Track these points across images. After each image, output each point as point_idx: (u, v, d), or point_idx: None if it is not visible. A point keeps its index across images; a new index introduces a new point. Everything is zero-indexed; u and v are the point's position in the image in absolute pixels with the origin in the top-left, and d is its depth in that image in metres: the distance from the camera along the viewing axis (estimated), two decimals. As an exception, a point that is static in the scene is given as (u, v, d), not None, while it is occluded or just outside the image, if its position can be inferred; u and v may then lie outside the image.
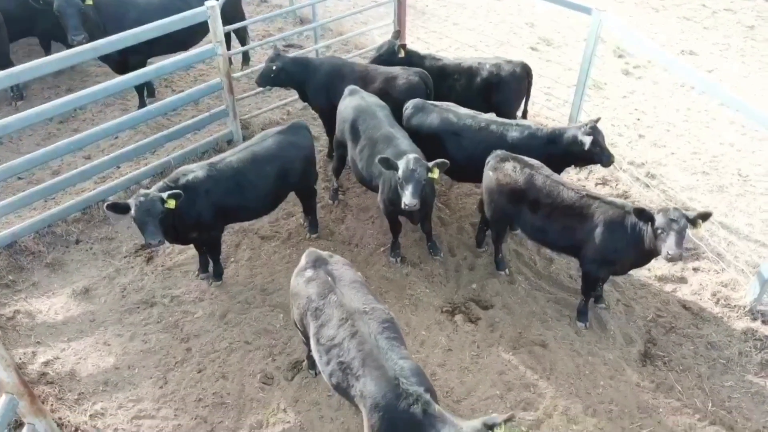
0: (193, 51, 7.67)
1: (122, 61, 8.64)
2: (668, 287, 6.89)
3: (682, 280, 6.97)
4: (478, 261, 7.24)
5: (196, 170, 6.29)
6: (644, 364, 6.16)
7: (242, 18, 9.71)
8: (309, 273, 5.10)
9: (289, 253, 7.30)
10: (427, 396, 4.28)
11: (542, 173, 6.17)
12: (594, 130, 6.44)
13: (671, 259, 5.42)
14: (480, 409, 5.76)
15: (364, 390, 4.45)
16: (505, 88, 7.69)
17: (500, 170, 6.27)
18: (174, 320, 6.59)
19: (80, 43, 8.07)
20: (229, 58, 8.46)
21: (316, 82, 7.79)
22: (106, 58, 8.92)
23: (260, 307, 6.74)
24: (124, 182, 7.78)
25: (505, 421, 4.09)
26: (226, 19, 8.34)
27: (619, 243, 5.80)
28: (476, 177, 6.82)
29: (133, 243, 7.46)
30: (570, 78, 9.38)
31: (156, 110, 7.69)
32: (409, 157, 5.99)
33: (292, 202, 7.92)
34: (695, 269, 7.06)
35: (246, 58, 10.35)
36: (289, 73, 7.72)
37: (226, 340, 6.39)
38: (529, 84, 7.81)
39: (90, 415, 5.68)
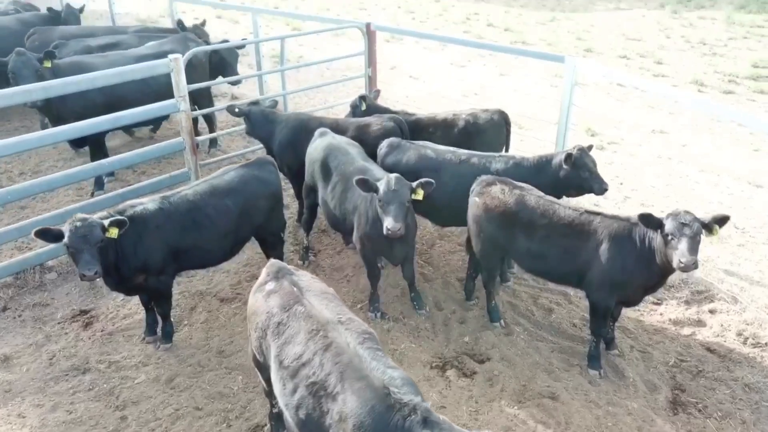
0: (154, 105, 7.21)
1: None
2: (686, 331, 6.07)
3: (700, 323, 6.16)
4: (469, 314, 6.37)
5: (146, 203, 5.55)
6: (675, 412, 5.17)
7: (209, 102, 9.56)
8: (270, 286, 4.23)
9: (253, 314, 6.34)
10: (427, 404, 3.30)
11: (533, 194, 5.59)
12: (582, 153, 6.00)
13: (684, 268, 4.72)
14: (486, 472, 4.62)
15: (343, 410, 3.43)
16: (483, 137, 7.33)
17: (487, 194, 5.67)
18: (109, 387, 5.46)
19: (35, 106, 7.63)
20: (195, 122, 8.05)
21: (281, 137, 7.36)
22: (60, 120, 8.44)
23: (216, 369, 5.67)
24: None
25: None
26: (194, 99, 8.11)
27: (628, 260, 5.09)
28: (460, 217, 6.18)
29: (70, 309, 6.46)
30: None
31: (109, 165, 7.08)
32: (390, 176, 5.40)
33: (256, 265, 7.13)
34: (711, 311, 6.29)
35: (213, 141, 9.96)
36: (252, 123, 7.32)
37: (171, 407, 5.24)
38: (508, 132, 7.49)
39: (-16, 497, 4.37)
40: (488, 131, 7.36)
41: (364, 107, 7.77)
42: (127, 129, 10.04)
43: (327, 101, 11.82)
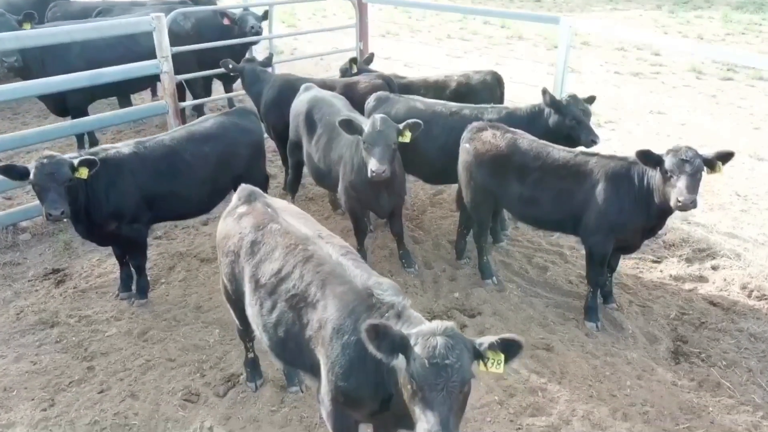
0: (136, 64, 6.98)
1: (60, 99, 7.86)
2: (687, 286, 5.79)
3: (702, 278, 5.89)
4: (460, 272, 6.09)
5: (120, 147, 5.30)
6: (677, 361, 4.88)
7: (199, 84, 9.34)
8: (242, 209, 3.97)
9: (234, 273, 6.05)
10: (406, 302, 3.05)
11: (526, 137, 5.34)
12: (570, 100, 5.76)
13: (683, 207, 4.45)
14: (475, 418, 4.34)
15: (323, 316, 3.18)
16: (476, 98, 7.06)
17: (478, 140, 5.42)
18: (78, 340, 5.16)
19: (11, 68, 7.40)
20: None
21: (268, 97, 7.13)
22: (42, 96, 8.18)
23: (192, 324, 5.37)
24: (36, 208, 6.56)
25: (504, 343, 2.78)
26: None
27: (626, 200, 4.82)
28: (453, 173, 5.91)
29: (43, 267, 6.17)
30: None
31: (88, 123, 6.81)
32: (375, 116, 5.13)
33: (240, 228, 6.84)
34: (714, 267, 6.02)
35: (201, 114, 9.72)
36: (245, 81, 7.16)
37: (142, 358, 4.95)
38: (502, 93, 7.26)
39: (-68, 441, 4.06)
40: (481, 92, 7.12)
41: (354, 71, 7.55)
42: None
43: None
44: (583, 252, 5.84)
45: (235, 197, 4.13)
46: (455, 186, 6.30)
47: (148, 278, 5.74)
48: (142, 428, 4.27)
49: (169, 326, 5.33)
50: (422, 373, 2.58)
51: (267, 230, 3.68)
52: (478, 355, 2.75)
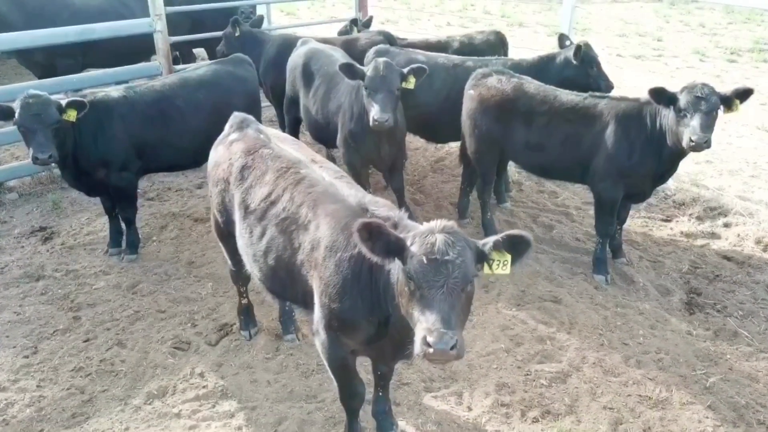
0: (126, 21, 6.77)
1: (48, 65, 7.62)
2: (699, 242, 5.58)
3: (714, 235, 5.68)
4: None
5: (109, 91, 5.09)
6: (692, 312, 4.67)
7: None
8: (233, 136, 3.76)
9: (228, 231, 5.83)
10: (404, 215, 2.83)
11: (533, 83, 5.12)
12: (589, 48, 5.56)
13: (696, 147, 4.24)
14: (481, 365, 4.14)
15: (316, 236, 2.95)
16: (479, 59, 6.89)
17: (483, 86, 5.20)
18: (64, 292, 4.93)
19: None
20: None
21: (266, 57, 6.92)
22: (28, 61, 7.92)
23: (183, 278, 5.15)
24: (23, 168, 6.36)
25: (510, 240, 2.55)
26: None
27: (636, 143, 4.61)
28: (456, 128, 5.69)
29: (30, 225, 5.93)
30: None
31: (77, 81, 6.56)
32: (378, 60, 4.90)
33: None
34: (726, 225, 5.81)
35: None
36: (243, 43, 6.90)
37: (131, 309, 4.73)
38: (506, 53, 7.06)
39: None
40: (484, 52, 6.91)
41: (356, 32, 7.34)
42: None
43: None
44: (591, 212, 5.69)
45: (227, 125, 3.93)
46: (456, 154, 6.12)
47: (139, 235, 5.51)
48: (129, 374, 4.05)
49: (160, 280, 5.11)
50: (420, 270, 2.37)
51: (258, 155, 3.46)
52: (483, 257, 2.54)
